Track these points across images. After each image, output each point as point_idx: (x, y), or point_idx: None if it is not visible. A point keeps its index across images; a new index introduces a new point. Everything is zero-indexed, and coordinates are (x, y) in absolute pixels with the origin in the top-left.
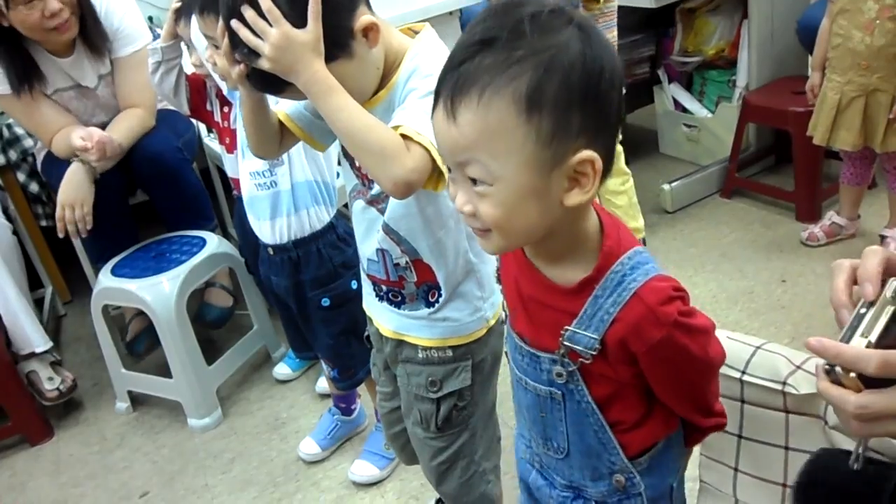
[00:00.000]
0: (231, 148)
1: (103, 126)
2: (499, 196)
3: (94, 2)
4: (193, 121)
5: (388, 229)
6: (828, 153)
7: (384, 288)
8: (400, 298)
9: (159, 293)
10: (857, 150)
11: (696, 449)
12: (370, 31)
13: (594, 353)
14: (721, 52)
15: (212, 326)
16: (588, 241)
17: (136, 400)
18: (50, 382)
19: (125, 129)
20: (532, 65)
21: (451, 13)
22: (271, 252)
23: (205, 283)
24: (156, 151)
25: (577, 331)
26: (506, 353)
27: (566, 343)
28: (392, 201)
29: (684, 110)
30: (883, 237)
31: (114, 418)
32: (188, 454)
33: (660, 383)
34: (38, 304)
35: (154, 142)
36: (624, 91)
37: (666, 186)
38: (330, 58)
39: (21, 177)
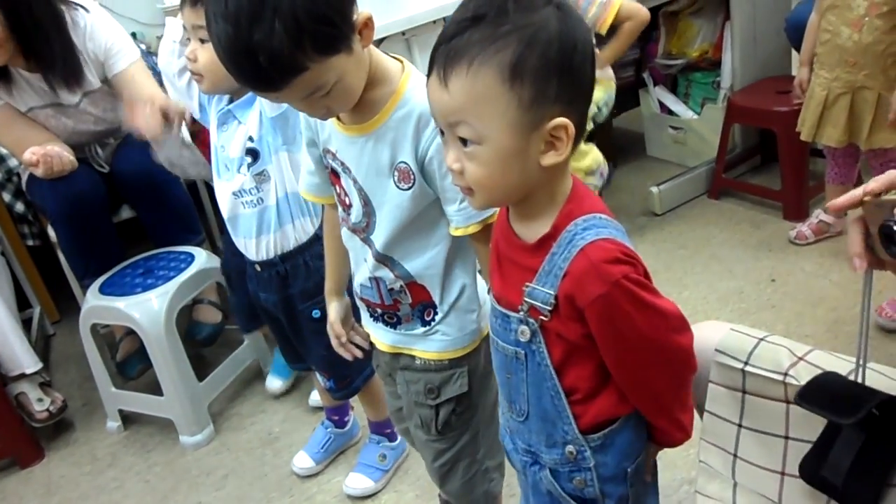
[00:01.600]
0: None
1: (85, 141)
2: (485, 155)
3: (80, 21)
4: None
5: (380, 258)
6: (813, 151)
7: (379, 311)
8: (395, 320)
9: (148, 310)
10: (841, 146)
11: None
12: (365, 27)
13: (550, 308)
14: (705, 54)
15: (203, 344)
16: (555, 204)
17: (128, 419)
18: (40, 403)
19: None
20: (515, 39)
21: (435, 22)
22: (258, 268)
23: (193, 299)
24: (143, 167)
25: (536, 286)
26: None
27: (527, 299)
28: (378, 233)
29: (670, 113)
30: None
31: (105, 438)
32: (181, 472)
33: (605, 350)
34: (26, 324)
35: (141, 157)
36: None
37: (654, 189)
38: (335, 49)
39: (6, 196)
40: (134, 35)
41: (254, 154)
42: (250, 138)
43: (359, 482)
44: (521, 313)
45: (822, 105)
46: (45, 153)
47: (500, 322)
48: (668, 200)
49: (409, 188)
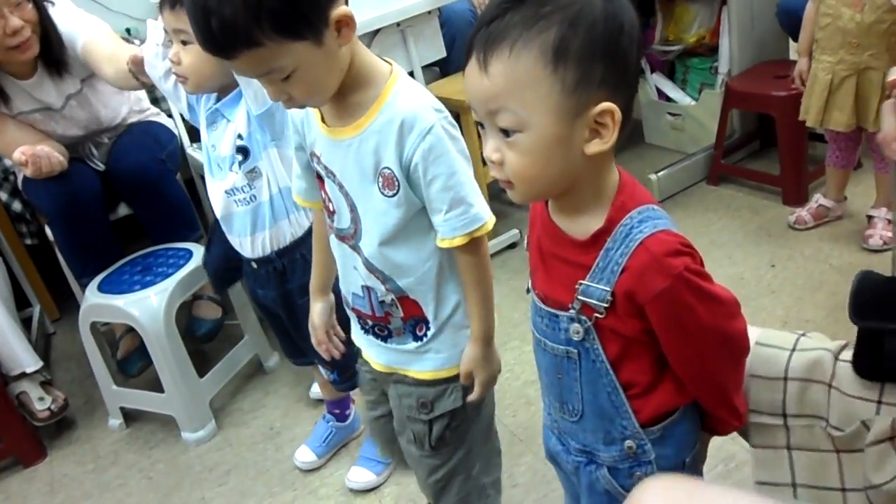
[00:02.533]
0: None
1: (79, 141)
2: (527, 143)
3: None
4: (176, 132)
5: (370, 267)
6: (812, 135)
7: (370, 322)
8: (386, 333)
9: (147, 307)
10: (850, 129)
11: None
12: (344, 25)
13: (606, 305)
14: (702, 40)
15: (203, 340)
16: (605, 197)
17: (129, 416)
18: (41, 402)
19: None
20: (558, 20)
21: (429, 12)
22: (255, 266)
23: (192, 295)
24: (138, 163)
25: (591, 284)
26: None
27: (580, 297)
28: (366, 240)
29: (668, 99)
30: (870, 217)
31: (107, 435)
32: (183, 468)
33: (668, 344)
34: (26, 323)
35: (136, 153)
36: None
37: (653, 176)
38: (297, 35)
39: (3, 196)
40: (128, 31)
41: (244, 152)
42: (239, 136)
43: (361, 475)
44: (573, 311)
45: (828, 90)
46: (34, 153)
47: (548, 322)
48: (666, 187)
49: (394, 195)
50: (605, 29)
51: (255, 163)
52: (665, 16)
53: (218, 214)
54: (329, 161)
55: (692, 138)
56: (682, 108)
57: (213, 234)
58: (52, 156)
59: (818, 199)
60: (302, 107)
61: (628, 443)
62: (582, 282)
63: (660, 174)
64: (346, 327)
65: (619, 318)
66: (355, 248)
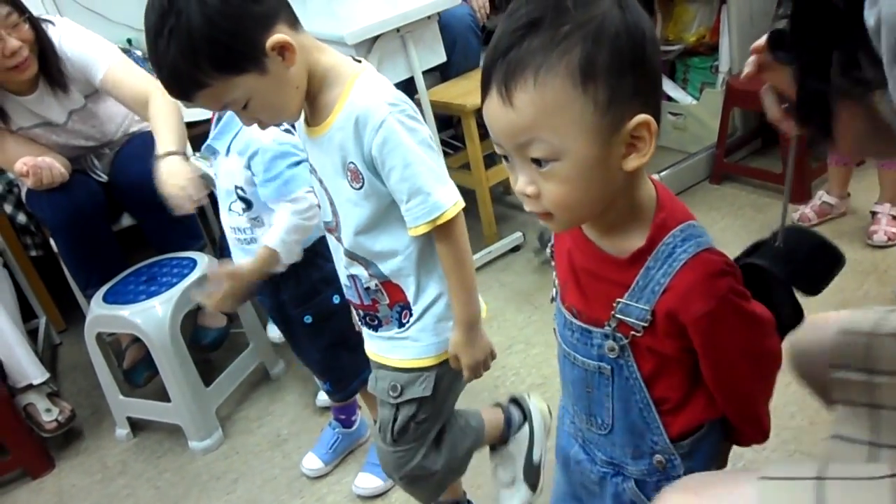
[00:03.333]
0: None
1: (81, 153)
2: (564, 171)
3: (58, 46)
4: None
5: (351, 255)
6: None
7: (361, 312)
8: (376, 322)
9: (152, 317)
10: None
11: None
12: (285, 50)
13: (645, 324)
14: (702, 39)
15: (209, 349)
16: (643, 213)
17: (136, 426)
18: (48, 414)
19: (169, 122)
20: (580, 38)
21: (429, 17)
22: None
23: (197, 304)
24: (141, 174)
25: (630, 302)
26: (554, 329)
27: (618, 315)
28: (344, 231)
29: (669, 99)
30: (874, 213)
31: (114, 446)
32: (191, 477)
33: (707, 362)
34: (32, 334)
35: (139, 164)
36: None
37: (655, 176)
38: (239, 70)
39: (8, 208)
40: (129, 41)
41: (246, 202)
42: (241, 188)
43: (368, 482)
44: (608, 328)
45: None
46: (36, 164)
47: (580, 337)
48: (669, 187)
49: (361, 187)
50: (628, 39)
51: (259, 213)
52: (664, 16)
53: (227, 236)
54: (312, 158)
55: (694, 137)
56: (684, 107)
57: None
58: (54, 167)
59: (821, 196)
60: (277, 125)
61: (658, 457)
62: (620, 300)
63: (662, 174)
64: (350, 336)
65: (657, 338)
66: (339, 239)
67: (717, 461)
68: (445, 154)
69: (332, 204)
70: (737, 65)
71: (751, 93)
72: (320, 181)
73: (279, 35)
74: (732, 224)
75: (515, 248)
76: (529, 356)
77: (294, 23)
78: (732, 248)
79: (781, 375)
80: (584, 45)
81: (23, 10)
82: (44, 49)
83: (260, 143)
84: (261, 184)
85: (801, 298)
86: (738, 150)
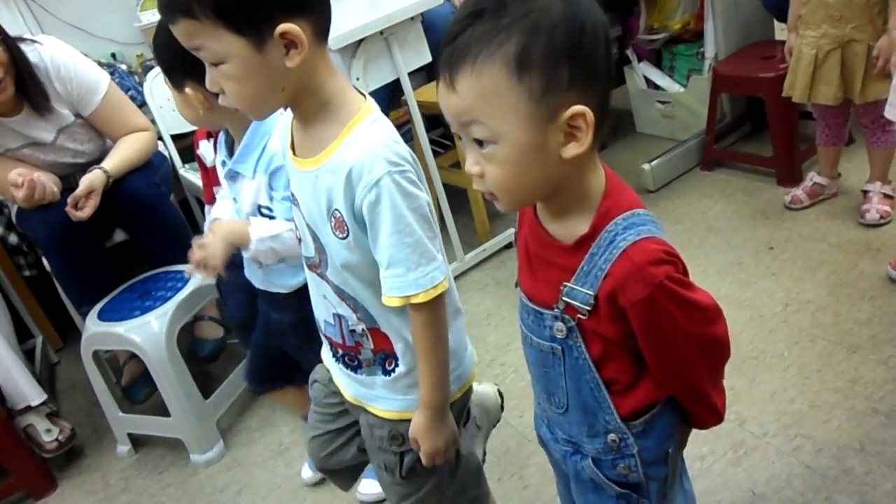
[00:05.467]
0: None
1: (70, 171)
2: (502, 154)
3: (42, 61)
4: (166, 153)
5: (342, 295)
6: (803, 114)
7: (340, 351)
8: (356, 363)
9: (148, 333)
10: (837, 103)
11: None
12: (292, 45)
13: (589, 308)
14: (687, 26)
15: (206, 361)
16: (590, 200)
17: (137, 441)
18: (48, 434)
19: (125, 151)
20: (518, 30)
21: (412, 18)
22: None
23: (193, 316)
24: (132, 188)
25: (575, 286)
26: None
27: (565, 298)
28: (332, 270)
29: (657, 87)
30: (865, 192)
31: (116, 462)
32: (194, 491)
33: (647, 347)
34: (29, 354)
35: (131, 178)
36: (613, 49)
37: (646, 166)
38: (235, 28)
39: None
40: (114, 56)
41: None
42: (267, 208)
43: (371, 488)
44: (557, 311)
45: (813, 64)
46: (32, 178)
47: (533, 319)
48: (660, 176)
49: (345, 238)
50: (565, 32)
51: None
52: (648, 4)
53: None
54: (295, 189)
55: (683, 125)
56: (672, 95)
57: (227, 284)
58: (48, 185)
59: (812, 178)
60: (236, 109)
61: (611, 436)
62: (566, 284)
63: (653, 163)
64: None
65: (601, 322)
66: (323, 276)
67: (673, 441)
68: (435, 153)
69: (315, 240)
70: (723, 50)
71: (738, 78)
72: (303, 215)
73: (295, 27)
74: (725, 210)
75: (509, 245)
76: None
77: (320, 34)
78: (726, 234)
79: (779, 360)
80: (521, 37)
81: None
82: (20, 72)
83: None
84: (279, 200)
85: (796, 289)
86: (728, 136)
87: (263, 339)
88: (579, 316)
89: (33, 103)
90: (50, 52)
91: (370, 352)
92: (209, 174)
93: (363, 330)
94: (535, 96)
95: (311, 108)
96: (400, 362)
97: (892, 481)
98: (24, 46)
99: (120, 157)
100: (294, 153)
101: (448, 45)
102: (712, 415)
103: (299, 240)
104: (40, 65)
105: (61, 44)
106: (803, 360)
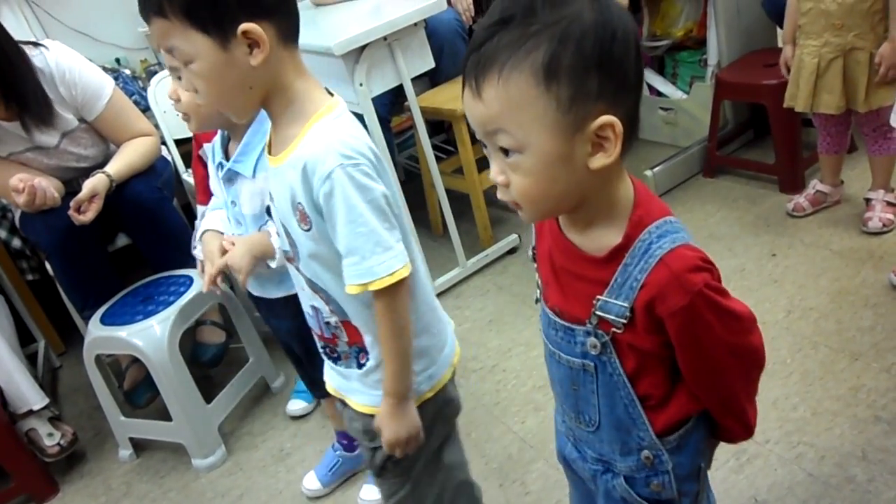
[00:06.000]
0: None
1: (74, 175)
2: (528, 163)
3: (46, 67)
4: (169, 158)
5: (314, 287)
6: (805, 121)
7: (321, 342)
8: (336, 355)
9: (150, 337)
10: (840, 111)
11: None
12: (254, 44)
13: (625, 321)
14: (689, 33)
15: (208, 365)
16: (620, 210)
17: (139, 446)
18: (50, 438)
19: (129, 155)
20: (546, 37)
21: (415, 24)
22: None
23: (195, 321)
24: (134, 192)
25: (609, 300)
26: (540, 330)
27: (598, 312)
28: (304, 262)
29: (659, 94)
30: (868, 200)
31: (118, 467)
32: (196, 496)
33: (683, 357)
34: (31, 358)
35: (134, 183)
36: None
37: (648, 172)
38: (201, 27)
39: (2, 233)
40: (118, 61)
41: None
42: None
43: (372, 494)
44: (589, 326)
45: (815, 73)
46: (32, 184)
47: (563, 335)
48: (663, 183)
49: (309, 230)
50: (595, 39)
51: None
52: (651, 11)
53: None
54: (271, 187)
55: (685, 132)
56: (674, 102)
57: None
58: (49, 190)
59: (815, 185)
60: (209, 108)
61: (645, 453)
62: (600, 297)
63: (655, 170)
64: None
65: (637, 334)
66: (298, 269)
67: (704, 456)
68: (438, 159)
69: (288, 235)
70: (725, 58)
71: (740, 85)
72: (276, 210)
73: (256, 27)
74: (727, 217)
75: (512, 251)
76: (530, 358)
77: (286, 36)
78: (729, 241)
79: (782, 367)
80: (550, 45)
81: None
82: (9, 85)
83: None
84: None
85: (798, 296)
86: (731, 143)
87: (283, 347)
88: (614, 330)
89: (32, 113)
90: (55, 57)
91: (345, 344)
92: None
93: (336, 322)
94: (563, 106)
95: (279, 107)
96: (370, 356)
97: (895, 489)
98: (29, 51)
99: (123, 161)
100: (270, 152)
101: (475, 52)
102: (744, 429)
103: (278, 232)
104: (45, 69)
105: (66, 48)
106: (806, 368)
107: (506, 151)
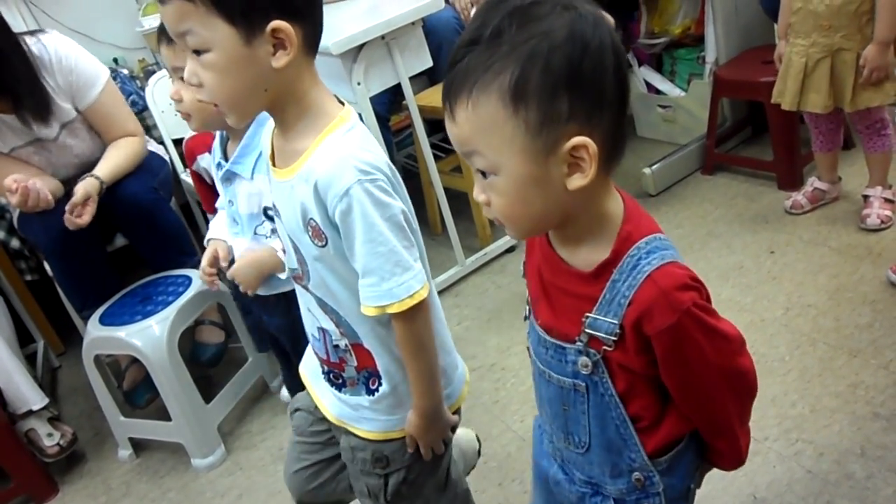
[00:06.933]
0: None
1: (72, 175)
2: (502, 185)
3: (44, 54)
4: (167, 157)
5: (325, 308)
6: (802, 118)
7: (325, 367)
8: (340, 381)
9: (149, 337)
10: (827, 111)
11: None
12: (280, 45)
13: (615, 338)
14: (687, 30)
15: (208, 365)
16: (608, 226)
17: (138, 446)
18: (49, 438)
19: (117, 157)
20: (514, 58)
21: (413, 23)
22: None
23: (195, 321)
24: (131, 193)
25: (598, 316)
26: (528, 347)
27: (588, 330)
28: (314, 281)
29: (657, 92)
30: (866, 197)
31: (117, 467)
32: (195, 496)
33: (670, 376)
34: (31, 359)
35: (129, 183)
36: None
37: (647, 170)
38: (226, 13)
39: (0, 234)
40: (116, 60)
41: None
42: (271, 207)
43: None
44: (580, 344)
45: (803, 73)
46: (26, 185)
47: (554, 354)
48: (661, 180)
49: (324, 246)
50: (564, 57)
51: None
52: (649, 9)
53: (237, 256)
54: (276, 201)
55: (684, 129)
56: (672, 99)
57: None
58: (43, 192)
59: (813, 183)
60: (209, 101)
61: (636, 475)
62: (589, 314)
63: (654, 167)
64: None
65: (628, 353)
66: (307, 288)
67: (694, 477)
68: (436, 157)
69: (297, 252)
70: (723, 55)
71: (739, 82)
72: (284, 227)
73: (286, 25)
74: (726, 214)
75: (510, 249)
76: (528, 358)
77: (310, 44)
78: (727, 238)
79: (780, 365)
80: (517, 66)
81: None
82: (2, 79)
83: None
84: None
85: (797, 293)
86: (729, 140)
87: (273, 346)
88: (605, 348)
89: (28, 104)
90: (54, 45)
91: (354, 369)
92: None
93: (346, 346)
94: (533, 129)
95: (292, 116)
96: (383, 381)
97: (893, 486)
98: (28, 39)
99: (111, 163)
100: (274, 164)
101: (448, 73)
102: (735, 455)
103: (284, 251)
104: (44, 56)
105: (64, 37)
106: (804, 365)
107: (483, 172)
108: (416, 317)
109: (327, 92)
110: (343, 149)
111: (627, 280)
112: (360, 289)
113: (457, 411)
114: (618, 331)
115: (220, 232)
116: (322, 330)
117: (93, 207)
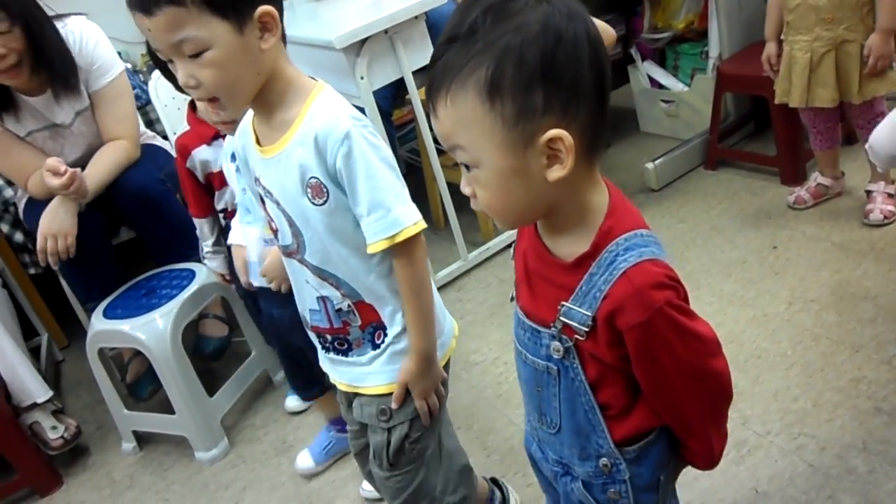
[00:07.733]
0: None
1: (74, 165)
2: (484, 177)
3: (70, 36)
4: (172, 152)
5: (322, 274)
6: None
7: (329, 338)
8: (346, 346)
9: (153, 330)
10: (835, 104)
11: None
12: (266, 27)
13: (587, 329)
14: (691, 25)
15: (211, 358)
16: (591, 219)
17: (142, 439)
18: (54, 431)
19: (105, 165)
20: (489, 54)
21: (416, 17)
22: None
23: (198, 314)
24: (138, 185)
25: (573, 307)
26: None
27: (562, 318)
28: (311, 251)
29: (660, 87)
30: (869, 192)
31: (121, 460)
32: (199, 488)
33: (641, 373)
34: (35, 352)
35: (136, 175)
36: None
37: (650, 165)
38: (220, 11)
39: (4, 227)
40: (119, 55)
41: None
42: None
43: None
44: (554, 330)
45: (808, 68)
46: (76, 171)
47: (530, 336)
48: (664, 175)
49: (324, 202)
50: (537, 51)
51: None
52: (652, 3)
53: (252, 258)
54: (266, 181)
55: (687, 124)
56: (675, 94)
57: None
58: (84, 183)
59: (816, 178)
60: (211, 100)
61: (603, 460)
62: (564, 303)
63: (657, 162)
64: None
65: (599, 345)
66: (302, 261)
67: (666, 469)
68: (439, 152)
69: (291, 225)
70: (727, 50)
71: (742, 77)
72: (277, 203)
73: (271, 8)
74: (729, 209)
75: (512, 244)
76: None
77: (282, 20)
78: (730, 234)
79: (782, 359)
80: (491, 62)
81: (14, 17)
82: (41, 52)
83: None
84: None
85: (800, 288)
86: (732, 135)
87: (281, 344)
88: (577, 337)
89: (61, 80)
90: (80, 28)
91: (358, 329)
92: (213, 178)
93: (349, 306)
94: (509, 123)
95: (275, 93)
96: (388, 329)
97: (895, 480)
98: (56, 23)
99: (100, 170)
100: (259, 145)
101: (429, 70)
102: (707, 455)
103: (275, 232)
104: (69, 39)
105: (90, 23)
106: (807, 360)
107: (466, 165)
108: (416, 249)
109: (296, 68)
110: (332, 105)
111: (604, 275)
112: (367, 228)
113: (446, 367)
114: (590, 322)
115: (241, 237)
116: (322, 299)
117: (77, 184)
